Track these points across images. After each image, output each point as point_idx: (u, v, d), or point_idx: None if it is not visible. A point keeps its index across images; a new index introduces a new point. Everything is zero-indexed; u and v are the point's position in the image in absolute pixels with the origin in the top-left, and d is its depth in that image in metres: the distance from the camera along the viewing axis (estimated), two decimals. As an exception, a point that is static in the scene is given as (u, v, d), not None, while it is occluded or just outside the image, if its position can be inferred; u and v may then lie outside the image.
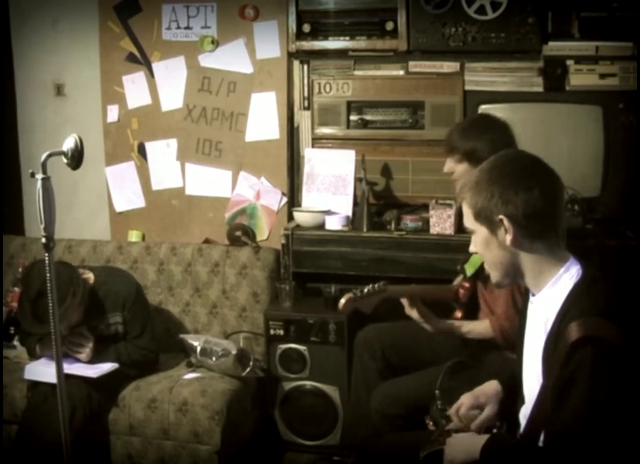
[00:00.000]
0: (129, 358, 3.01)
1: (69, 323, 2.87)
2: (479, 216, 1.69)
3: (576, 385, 1.52)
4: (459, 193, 1.80)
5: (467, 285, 2.63)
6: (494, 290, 2.48)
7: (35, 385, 2.87)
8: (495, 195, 1.65)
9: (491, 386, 1.99)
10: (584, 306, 1.59)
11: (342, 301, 2.41)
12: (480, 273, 2.51)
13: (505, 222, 1.64)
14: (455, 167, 2.65)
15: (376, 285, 2.44)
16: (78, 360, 2.93)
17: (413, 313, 2.49)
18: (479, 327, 2.51)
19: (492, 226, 1.67)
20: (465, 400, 1.97)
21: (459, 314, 2.70)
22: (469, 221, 1.73)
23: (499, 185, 1.65)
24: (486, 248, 1.72)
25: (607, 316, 1.56)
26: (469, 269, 2.55)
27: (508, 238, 1.65)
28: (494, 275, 1.75)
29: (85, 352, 2.92)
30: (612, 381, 1.52)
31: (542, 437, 1.67)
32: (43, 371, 2.84)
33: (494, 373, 2.08)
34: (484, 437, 1.76)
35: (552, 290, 1.68)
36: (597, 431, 1.51)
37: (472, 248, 1.78)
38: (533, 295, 1.75)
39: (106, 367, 2.91)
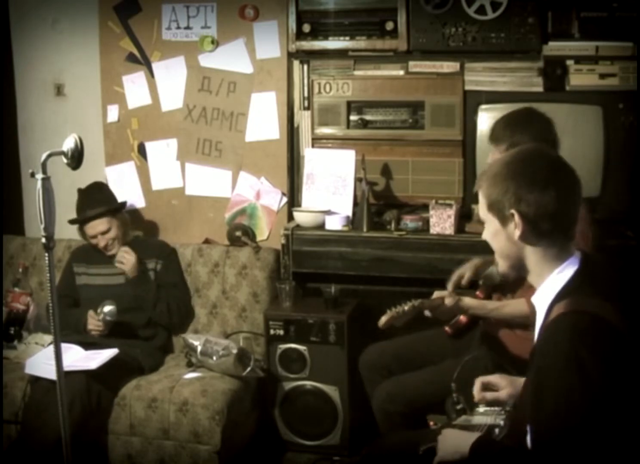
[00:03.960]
0: (175, 305, 3.33)
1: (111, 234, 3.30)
2: (491, 207, 1.71)
3: (554, 367, 1.50)
4: (477, 181, 1.83)
5: (480, 295, 2.64)
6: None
7: (36, 379, 2.88)
8: (509, 190, 1.66)
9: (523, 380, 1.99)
10: (563, 304, 1.58)
11: (383, 319, 2.48)
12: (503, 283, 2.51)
13: (516, 217, 1.66)
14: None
15: (415, 302, 2.51)
16: (83, 348, 2.98)
17: (448, 301, 2.54)
18: (512, 305, 2.49)
19: (503, 219, 1.69)
20: (491, 377, 1.98)
21: (464, 319, 2.70)
22: (482, 210, 1.76)
23: (515, 180, 1.66)
24: (495, 238, 1.74)
25: (600, 297, 1.56)
26: None
27: (517, 233, 1.67)
28: (501, 265, 1.77)
29: (130, 264, 3.25)
30: (598, 360, 1.48)
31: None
32: (44, 366, 2.85)
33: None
34: (476, 435, 1.76)
35: (545, 289, 1.69)
36: (583, 423, 1.46)
37: (483, 236, 1.81)
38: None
39: (106, 355, 2.92)
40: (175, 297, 3.37)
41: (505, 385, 1.95)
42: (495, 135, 2.63)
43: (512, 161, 1.71)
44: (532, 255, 1.69)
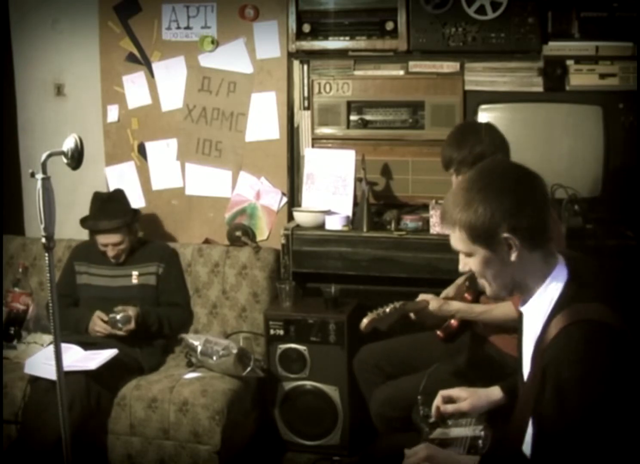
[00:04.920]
0: (168, 320, 3.29)
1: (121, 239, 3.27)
2: (478, 238, 1.59)
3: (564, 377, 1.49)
4: (442, 219, 1.67)
5: (469, 297, 2.64)
6: None
7: (35, 379, 2.88)
8: (496, 212, 1.55)
9: (489, 390, 1.98)
10: (566, 314, 1.56)
11: (365, 321, 2.42)
12: None
13: (511, 238, 1.57)
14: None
15: (397, 305, 2.46)
16: (83, 348, 2.97)
17: (433, 303, 2.51)
18: (500, 308, 2.47)
19: (493, 244, 1.58)
20: (452, 391, 1.98)
21: (455, 323, 2.70)
22: (462, 245, 1.62)
23: (496, 200, 1.56)
24: (485, 267, 1.63)
25: (598, 301, 1.56)
26: None
27: (513, 254, 1.58)
28: (492, 289, 1.67)
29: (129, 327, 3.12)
30: (608, 364, 1.48)
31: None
32: (43, 366, 2.85)
33: (485, 379, 2.07)
34: (467, 457, 1.74)
35: (539, 299, 1.65)
36: (609, 428, 1.47)
37: (463, 268, 1.68)
38: (522, 305, 1.71)
39: (105, 355, 2.92)
40: (172, 313, 3.35)
41: (466, 397, 1.95)
42: (446, 158, 2.61)
43: (481, 183, 1.60)
44: (525, 270, 1.62)
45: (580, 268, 1.65)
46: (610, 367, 1.48)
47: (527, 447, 1.71)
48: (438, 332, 2.74)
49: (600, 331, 1.50)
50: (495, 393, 1.96)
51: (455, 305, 2.53)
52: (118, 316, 3.09)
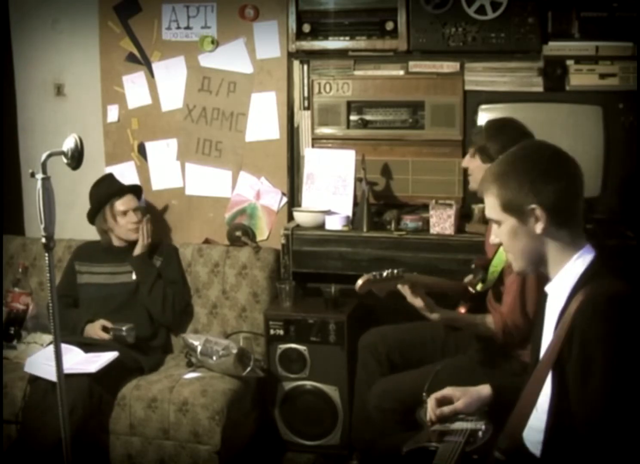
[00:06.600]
0: (170, 298, 3.33)
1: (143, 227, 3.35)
2: (507, 207, 1.72)
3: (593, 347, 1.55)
4: (480, 186, 1.85)
5: (462, 311, 2.63)
6: (505, 286, 2.49)
7: (35, 379, 2.88)
8: (525, 186, 1.69)
9: (479, 387, 1.99)
10: (593, 285, 1.63)
11: (360, 282, 2.41)
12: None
13: (538, 211, 1.68)
14: (470, 162, 2.70)
15: (395, 271, 2.45)
16: (82, 349, 2.98)
17: (416, 302, 2.48)
18: (483, 321, 2.50)
19: (522, 216, 1.71)
20: (443, 391, 1.99)
21: (462, 310, 2.69)
22: (494, 212, 1.76)
23: (528, 175, 1.69)
24: (513, 238, 1.74)
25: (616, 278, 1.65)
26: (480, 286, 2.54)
27: (539, 226, 1.69)
28: (518, 264, 1.78)
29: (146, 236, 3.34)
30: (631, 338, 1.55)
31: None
32: (44, 367, 2.84)
33: (490, 376, 2.07)
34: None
35: (563, 276, 1.72)
36: (623, 408, 1.53)
37: (494, 240, 1.81)
38: (547, 284, 1.78)
39: (106, 357, 2.92)
40: (173, 292, 3.36)
41: (460, 395, 1.96)
42: (470, 138, 2.71)
43: (516, 158, 1.75)
44: (552, 247, 1.72)
45: (605, 255, 1.76)
46: (634, 332, 1.55)
47: (527, 432, 1.74)
48: (461, 309, 2.70)
49: (624, 301, 1.59)
50: (485, 390, 1.98)
51: (444, 313, 2.52)
52: (124, 328, 3.11)
